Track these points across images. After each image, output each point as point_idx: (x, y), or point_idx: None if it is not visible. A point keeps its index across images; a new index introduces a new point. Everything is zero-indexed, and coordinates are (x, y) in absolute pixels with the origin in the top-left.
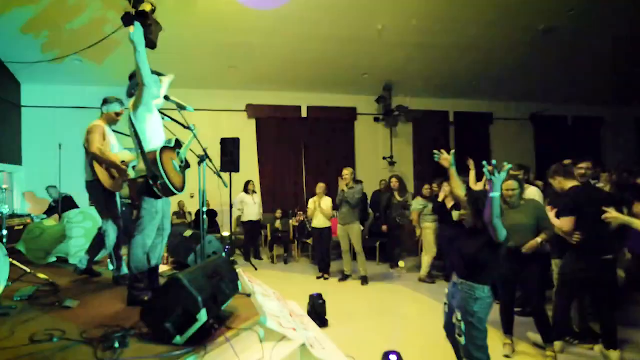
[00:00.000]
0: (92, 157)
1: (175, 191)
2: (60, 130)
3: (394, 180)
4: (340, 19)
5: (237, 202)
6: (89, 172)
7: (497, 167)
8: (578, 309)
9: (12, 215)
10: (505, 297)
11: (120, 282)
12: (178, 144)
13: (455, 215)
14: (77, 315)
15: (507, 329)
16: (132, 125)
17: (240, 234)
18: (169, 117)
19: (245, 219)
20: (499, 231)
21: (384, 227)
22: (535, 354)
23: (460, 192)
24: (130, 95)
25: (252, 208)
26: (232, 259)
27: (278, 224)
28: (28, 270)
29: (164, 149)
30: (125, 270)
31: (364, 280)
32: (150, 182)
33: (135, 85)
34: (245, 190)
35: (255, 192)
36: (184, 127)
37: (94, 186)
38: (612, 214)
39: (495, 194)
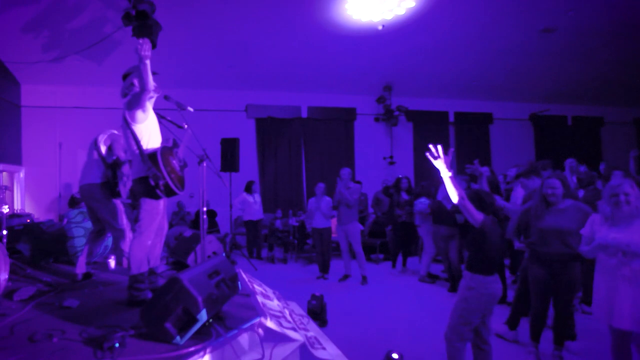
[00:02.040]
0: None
1: (177, 191)
2: (60, 130)
3: (403, 180)
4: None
5: (238, 201)
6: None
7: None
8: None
9: (12, 215)
10: (539, 306)
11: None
12: (176, 144)
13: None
14: (77, 315)
15: (536, 336)
16: (128, 125)
17: (240, 234)
18: (163, 117)
19: (247, 218)
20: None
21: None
22: None
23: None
24: (124, 95)
25: (253, 207)
26: (232, 259)
27: (278, 224)
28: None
29: (163, 148)
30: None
31: (364, 280)
32: (152, 182)
33: (129, 85)
34: (247, 190)
35: (257, 192)
36: (178, 126)
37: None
38: None
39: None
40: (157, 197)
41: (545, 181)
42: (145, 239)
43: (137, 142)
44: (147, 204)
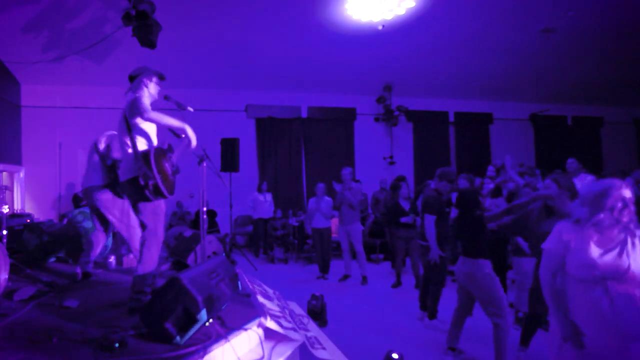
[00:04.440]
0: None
1: (166, 194)
2: (60, 130)
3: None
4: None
5: (250, 200)
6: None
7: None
8: None
9: (12, 215)
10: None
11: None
12: (171, 148)
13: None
14: (77, 315)
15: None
16: (126, 123)
17: (240, 234)
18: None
19: (257, 216)
20: None
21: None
22: None
23: None
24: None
25: (264, 206)
26: (232, 259)
27: (277, 224)
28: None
29: (157, 149)
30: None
31: (364, 280)
32: (141, 182)
33: (137, 86)
34: (259, 189)
35: (268, 192)
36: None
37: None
38: None
39: None
40: (146, 199)
41: (544, 182)
42: (160, 237)
43: (132, 138)
44: (149, 206)
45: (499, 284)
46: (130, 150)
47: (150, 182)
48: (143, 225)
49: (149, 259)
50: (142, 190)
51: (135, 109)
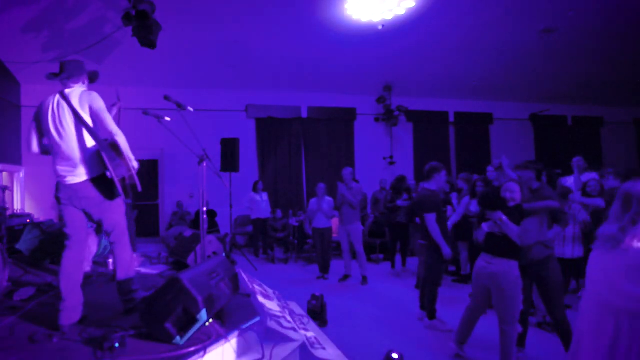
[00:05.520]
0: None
1: (139, 187)
2: None
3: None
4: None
5: (247, 200)
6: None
7: None
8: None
9: (12, 215)
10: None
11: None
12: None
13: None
14: None
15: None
16: (79, 116)
17: (240, 234)
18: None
19: (255, 216)
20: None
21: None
22: None
23: None
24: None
25: (261, 206)
26: (232, 259)
27: (278, 224)
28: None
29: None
30: None
31: (364, 280)
32: (110, 175)
33: (81, 77)
34: (254, 189)
35: (265, 191)
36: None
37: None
38: None
39: None
40: (115, 196)
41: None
42: (127, 236)
43: (92, 131)
44: (114, 207)
45: (521, 292)
46: (88, 145)
47: (127, 176)
48: (108, 232)
49: (125, 262)
50: (111, 187)
51: (105, 116)
